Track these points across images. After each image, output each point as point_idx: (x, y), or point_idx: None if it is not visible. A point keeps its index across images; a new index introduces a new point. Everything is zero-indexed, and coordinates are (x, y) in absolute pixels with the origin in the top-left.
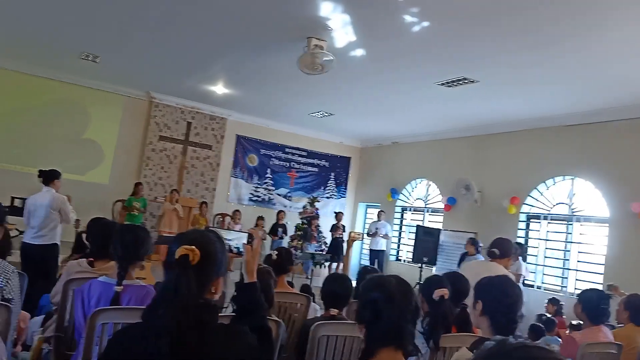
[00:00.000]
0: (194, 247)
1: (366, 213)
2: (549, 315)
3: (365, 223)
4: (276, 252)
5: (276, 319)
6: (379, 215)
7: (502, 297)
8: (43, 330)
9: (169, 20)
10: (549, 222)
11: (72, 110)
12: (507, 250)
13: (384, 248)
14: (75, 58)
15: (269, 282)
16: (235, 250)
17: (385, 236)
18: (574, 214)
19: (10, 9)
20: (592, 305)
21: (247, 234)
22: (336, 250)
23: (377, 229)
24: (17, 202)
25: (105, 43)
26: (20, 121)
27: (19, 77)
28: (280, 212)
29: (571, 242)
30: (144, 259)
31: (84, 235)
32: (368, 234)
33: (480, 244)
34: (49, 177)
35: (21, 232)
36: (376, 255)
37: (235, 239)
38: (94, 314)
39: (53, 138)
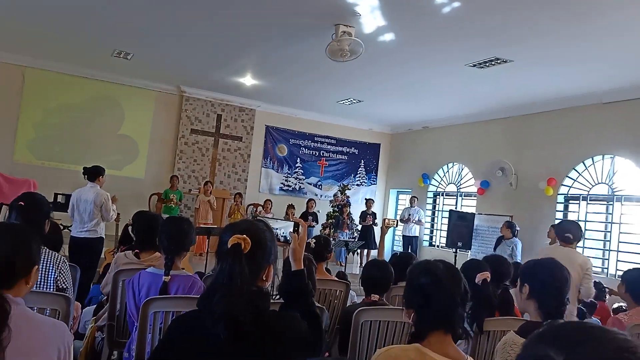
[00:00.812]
0: (245, 235)
1: (397, 199)
2: (592, 299)
3: (397, 209)
4: (314, 240)
5: (320, 305)
6: (411, 201)
7: (551, 280)
8: (96, 320)
9: (197, 16)
10: (588, 203)
11: (107, 107)
12: (579, 234)
13: (417, 234)
14: (108, 56)
15: (311, 269)
16: (282, 239)
17: (419, 222)
18: (615, 193)
19: (45, 12)
20: (637, 285)
21: (292, 223)
22: (367, 237)
23: (410, 214)
24: (60, 198)
25: (136, 40)
26: (59, 120)
27: (56, 77)
28: (310, 200)
29: (612, 223)
30: (189, 249)
31: (129, 228)
32: (401, 220)
33: (517, 228)
34: (93, 174)
35: (65, 227)
36: (409, 241)
37: (282, 227)
38: (145, 303)
39: (91, 135)
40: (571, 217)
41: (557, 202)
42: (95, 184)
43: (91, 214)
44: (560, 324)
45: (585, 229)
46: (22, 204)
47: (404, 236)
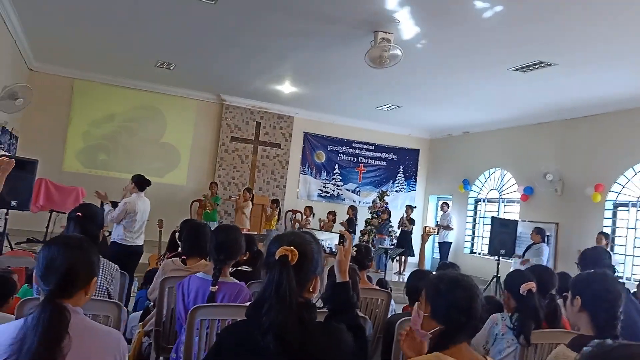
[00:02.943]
0: (292, 247)
1: (437, 205)
2: None
3: (436, 216)
4: (355, 249)
5: (363, 315)
6: (442, 207)
7: (604, 292)
8: (143, 325)
9: (237, 26)
10: (638, 210)
11: (150, 116)
12: None
13: (450, 240)
14: (151, 67)
15: (355, 280)
16: (327, 250)
17: (447, 227)
18: None
19: (92, 26)
20: None
21: (338, 235)
22: (405, 244)
23: (449, 221)
24: (105, 207)
25: (178, 51)
26: (105, 130)
27: (103, 88)
28: (351, 207)
29: None
30: (238, 258)
31: (176, 235)
32: (438, 226)
33: (548, 233)
34: (147, 184)
35: (109, 234)
36: (443, 247)
37: (328, 239)
38: (192, 311)
39: (135, 143)
40: (620, 224)
41: (605, 209)
42: (142, 193)
43: (144, 223)
44: (612, 346)
45: (635, 237)
46: (80, 215)
47: (439, 243)
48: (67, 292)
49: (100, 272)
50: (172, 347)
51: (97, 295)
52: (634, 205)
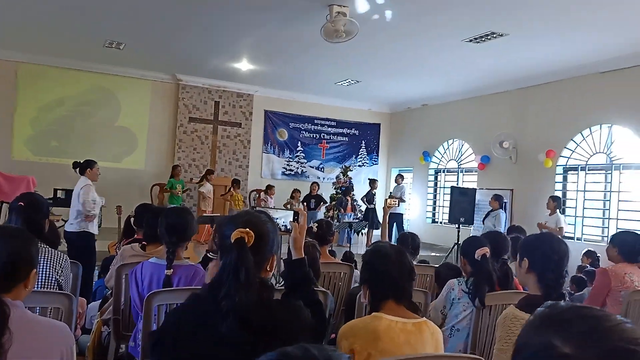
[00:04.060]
0: (248, 229)
1: (403, 179)
2: (589, 267)
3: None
4: (316, 225)
5: (323, 289)
6: (397, 179)
7: (550, 253)
8: (101, 314)
9: (189, 2)
10: (587, 173)
11: (103, 99)
12: None
13: (402, 211)
14: (99, 47)
15: (315, 256)
16: (283, 228)
17: (401, 199)
18: (613, 162)
19: (33, 5)
20: (629, 246)
21: (292, 212)
22: (371, 218)
23: (401, 193)
24: (60, 194)
25: (127, 29)
26: (55, 115)
27: (49, 71)
28: (313, 183)
29: (611, 192)
30: (190, 239)
31: (132, 220)
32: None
33: (505, 200)
34: (81, 168)
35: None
36: (394, 218)
37: (282, 217)
38: (149, 297)
39: (88, 128)
40: (570, 187)
41: (556, 174)
42: (85, 177)
43: (73, 208)
44: (564, 308)
45: (585, 199)
46: (22, 204)
47: (390, 214)
48: (5, 286)
49: (48, 262)
50: (131, 335)
51: (46, 287)
52: (582, 169)
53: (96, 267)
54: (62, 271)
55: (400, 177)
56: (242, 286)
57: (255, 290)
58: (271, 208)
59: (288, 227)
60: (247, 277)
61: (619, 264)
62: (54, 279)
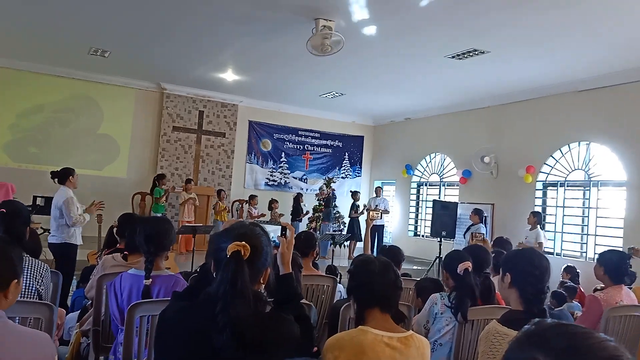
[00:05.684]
0: (244, 242)
1: (382, 191)
2: (569, 283)
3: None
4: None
5: (307, 302)
6: (376, 191)
7: (531, 268)
8: (80, 325)
9: (175, 11)
10: (565, 189)
11: (85, 107)
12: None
13: (383, 223)
14: (84, 54)
15: (296, 266)
16: (273, 243)
17: (385, 211)
18: (591, 179)
19: (16, 9)
20: (614, 265)
21: (280, 227)
22: (354, 230)
23: (377, 205)
24: (39, 201)
25: (112, 37)
26: (35, 121)
27: (30, 77)
28: (299, 195)
29: (589, 208)
30: (169, 249)
31: (114, 230)
32: (367, 210)
33: (485, 214)
34: (61, 176)
35: (45, 230)
36: (375, 230)
37: (271, 231)
38: (130, 308)
39: (69, 135)
40: (550, 202)
41: (536, 189)
42: (65, 187)
43: (56, 219)
44: (548, 326)
45: (564, 215)
46: (3, 211)
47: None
48: None
49: (29, 271)
50: (111, 347)
51: (26, 297)
52: (561, 185)
53: (74, 277)
54: (42, 280)
55: (380, 188)
56: (238, 300)
57: (250, 304)
58: (260, 222)
59: (276, 242)
60: (243, 290)
61: (608, 290)
62: (34, 288)
